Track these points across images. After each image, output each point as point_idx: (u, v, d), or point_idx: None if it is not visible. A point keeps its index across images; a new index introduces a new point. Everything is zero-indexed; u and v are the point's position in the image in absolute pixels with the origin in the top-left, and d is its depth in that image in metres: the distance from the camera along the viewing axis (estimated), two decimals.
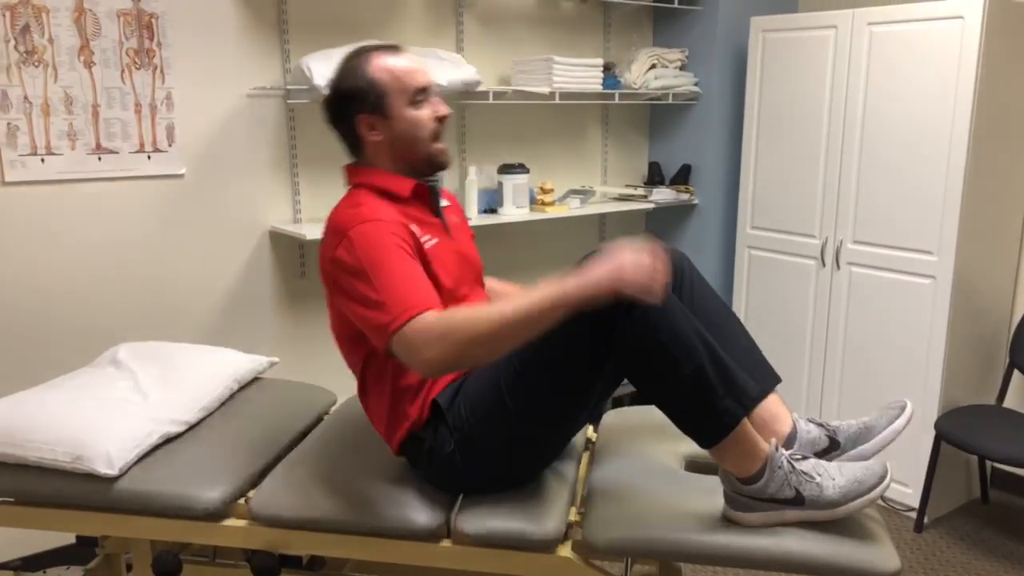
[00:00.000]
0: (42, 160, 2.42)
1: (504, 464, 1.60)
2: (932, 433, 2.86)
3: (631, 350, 1.43)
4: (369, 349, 1.61)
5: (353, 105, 1.62)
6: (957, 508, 3.11)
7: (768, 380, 1.64)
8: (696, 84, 3.53)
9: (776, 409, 1.59)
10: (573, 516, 1.64)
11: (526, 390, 1.52)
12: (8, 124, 2.35)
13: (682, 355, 1.40)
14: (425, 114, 1.63)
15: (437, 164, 1.68)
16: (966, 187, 2.73)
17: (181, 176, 2.66)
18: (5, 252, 2.42)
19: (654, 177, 3.70)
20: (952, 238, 2.77)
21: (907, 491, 3.00)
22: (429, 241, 1.60)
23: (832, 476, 1.45)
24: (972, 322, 2.92)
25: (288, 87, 2.73)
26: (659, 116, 3.76)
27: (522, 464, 1.63)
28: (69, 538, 2.65)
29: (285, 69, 2.79)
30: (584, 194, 3.40)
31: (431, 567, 1.61)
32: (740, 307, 3.54)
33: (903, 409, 1.59)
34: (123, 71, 2.51)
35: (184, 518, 1.65)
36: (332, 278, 1.54)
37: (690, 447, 1.73)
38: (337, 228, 1.54)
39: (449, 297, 1.59)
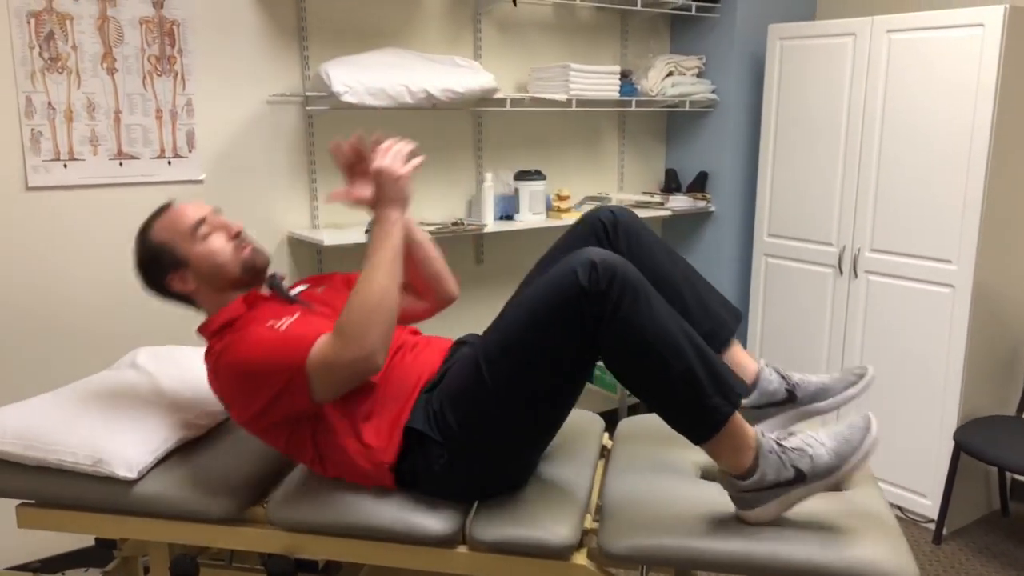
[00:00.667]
0: (65, 166, 2.45)
1: (501, 464, 1.61)
2: (951, 444, 2.84)
3: (618, 352, 1.44)
4: (309, 430, 1.62)
5: (158, 273, 1.72)
6: (976, 520, 3.08)
7: (732, 322, 1.70)
8: (713, 91, 3.53)
9: (739, 358, 1.63)
10: (588, 524, 1.64)
11: (517, 393, 1.53)
12: (32, 130, 2.39)
13: (670, 355, 1.41)
14: (215, 241, 1.70)
15: (255, 268, 1.73)
16: (986, 195, 2.71)
17: (201, 182, 2.69)
18: (27, 256, 2.45)
19: (671, 184, 3.70)
20: (972, 247, 2.75)
21: (926, 502, 2.97)
22: (284, 323, 1.62)
23: (822, 442, 1.45)
24: (992, 332, 2.90)
25: (307, 94, 2.75)
26: (676, 123, 3.76)
27: (518, 461, 1.64)
28: (88, 540, 2.67)
29: (304, 76, 2.82)
30: (600, 201, 3.40)
31: (446, 573, 1.61)
32: (756, 315, 3.52)
33: (862, 377, 1.63)
34: (145, 78, 2.54)
35: (201, 521, 1.67)
36: (238, 408, 1.59)
37: (706, 455, 1.72)
38: (209, 377, 1.63)
39: None
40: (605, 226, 1.71)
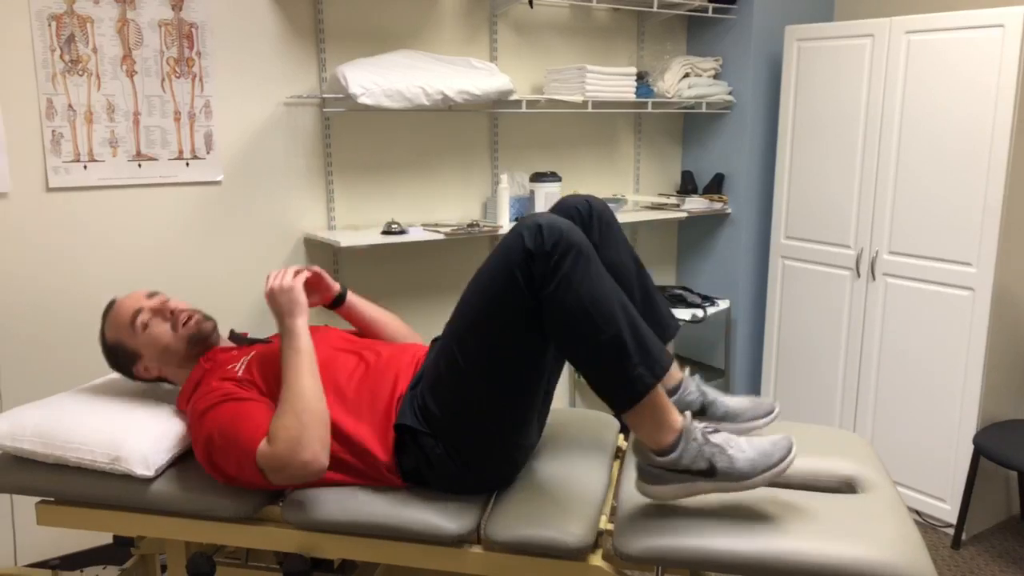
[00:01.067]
0: (84, 167, 2.48)
1: (492, 446, 1.62)
2: (970, 448, 2.81)
3: (554, 312, 1.46)
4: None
5: (125, 368, 1.85)
6: (996, 525, 3.05)
7: (672, 329, 1.78)
8: (730, 93, 3.52)
9: None
10: (604, 524, 1.63)
11: (486, 366, 1.56)
12: (53, 132, 2.41)
13: (602, 321, 1.43)
14: (155, 328, 1.80)
15: (200, 337, 1.83)
16: (1006, 197, 2.69)
17: (219, 183, 2.70)
18: (47, 256, 2.47)
19: (687, 186, 3.69)
20: (991, 249, 2.72)
21: (945, 507, 2.95)
22: (240, 366, 1.74)
23: (742, 449, 1.48)
24: (1012, 334, 2.87)
25: (324, 95, 2.76)
26: (692, 125, 3.75)
27: (508, 441, 1.64)
28: (106, 538, 2.70)
29: (321, 78, 2.83)
30: (616, 203, 3.39)
31: (460, 573, 1.61)
32: (773, 317, 3.51)
33: (768, 415, 1.72)
34: (163, 80, 2.56)
35: (218, 520, 1.68)
36: (219, 477, 1.65)
37: None
38: (194, 434, 1.67)
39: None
40: (580, 212, 1.74)
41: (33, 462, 1.75)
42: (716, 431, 1.52)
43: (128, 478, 1.68)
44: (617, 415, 1.51)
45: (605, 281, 1.46)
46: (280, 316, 1.71)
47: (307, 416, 1.56)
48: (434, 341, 1.84)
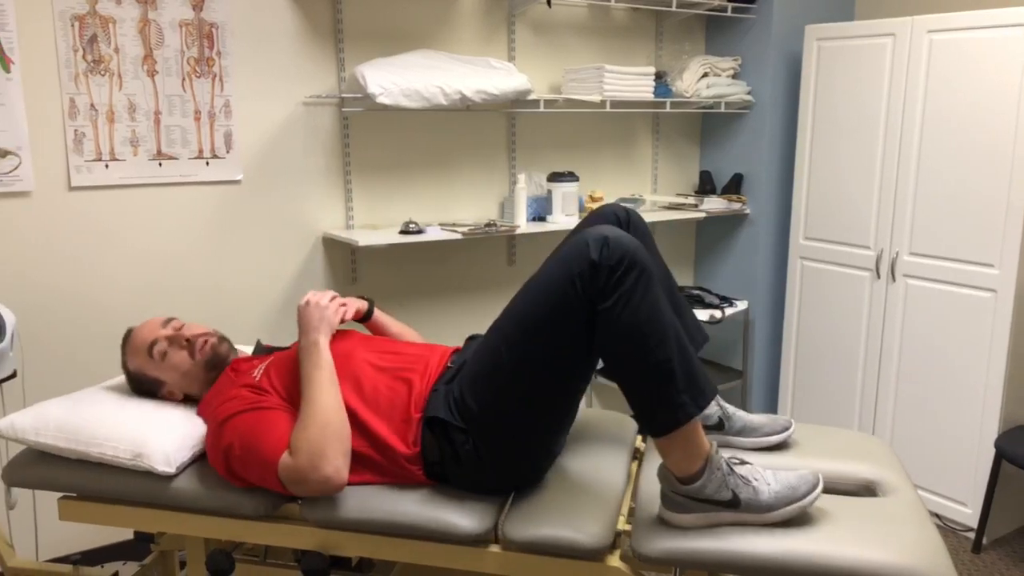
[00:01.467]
0: (106, 166, 2.50)
1: (524, 447, 1.62)
2: (992, 451, 2.79)
3: (609, 327, 1.46)
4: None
5: (150, 393, 1.86)
6: (1017, 529, 3.02)
7: (699, 342, 1.86)
8: (749, 93, 3.50)
9: None
10: (622, 525, 1.63)
11: (533, 367, 1.55)
12: (75, 131, 2.43)
13: (654, 344, 1.43)
14: (172, 357, 1.82)
15: (218, 359, 1.85)
16: None
17: (238, 182, 2.72)
18: (70, 255, 2.50)
19: (705, 186, 3.67)
20: (1015, 251, 2.69)
21: (965, 511, 2.92)
22: (259, 372, 1.77)
23: (768, 481, 1.48)
24: None
25: (343, 95, 2.77)
26: (711, 125, 3.73)
27: (540, 443, 1.65)
28: (127, 534, 2.72)
29: (340, 77, 2.84)
30: (634, 203, 3.38)
31: (478, 572, 1.61)
32: (792, 318, 3.49)
33: (785, 430, 1.78)
34: (184, 79, 2.58)
35: (237, 517, 1.69)
36: (237, 482, 1.66)
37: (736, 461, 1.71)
38: (212, 441, 1.69)
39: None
40: (619, 219, 1.77)
41: (56, 457, 1.77)
42: (742, 463, 1.52)
43: (150, 475, 1.69)
44: (651, 435, 1.51)
45: (662, 304, 1.46)
46: (307, 330, 1.72)
47: (330, 430, 1.57)
48: (469, 339, 1.85)
